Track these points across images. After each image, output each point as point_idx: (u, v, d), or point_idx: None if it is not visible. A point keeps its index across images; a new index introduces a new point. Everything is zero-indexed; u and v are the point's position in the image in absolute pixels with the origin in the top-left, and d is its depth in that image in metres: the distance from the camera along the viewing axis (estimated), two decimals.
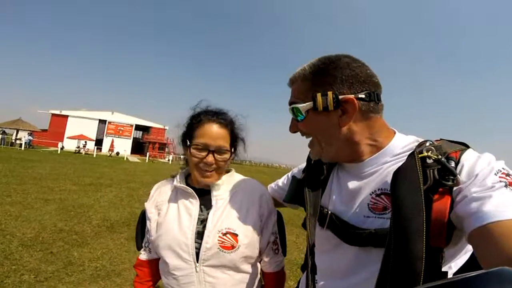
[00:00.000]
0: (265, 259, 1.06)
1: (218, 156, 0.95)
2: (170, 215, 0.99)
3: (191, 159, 0.95)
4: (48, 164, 12.56)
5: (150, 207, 1.06)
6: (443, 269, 0.56)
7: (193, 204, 0.99)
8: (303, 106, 0.69)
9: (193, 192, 0.99)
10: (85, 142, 31.64)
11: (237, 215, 0.97)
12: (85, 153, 27.36)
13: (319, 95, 0.66)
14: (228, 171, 1.08)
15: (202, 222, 0.96)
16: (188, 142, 0.97)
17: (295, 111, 0.72)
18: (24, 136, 24.92)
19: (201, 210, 0.99)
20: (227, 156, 0.97)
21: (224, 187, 1.02)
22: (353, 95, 0.65)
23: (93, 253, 3.43)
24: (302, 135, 0.77)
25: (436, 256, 0.54)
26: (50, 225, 4.21)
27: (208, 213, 0.97)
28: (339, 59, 0.68)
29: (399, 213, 0.54)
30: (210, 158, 0.93)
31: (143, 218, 1.15)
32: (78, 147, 29.56)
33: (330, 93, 0.65)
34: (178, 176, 1.06)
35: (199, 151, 0.93)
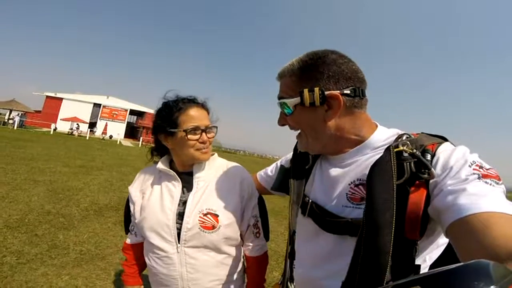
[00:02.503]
0: (246, 242, 1.09)
1: (209, 135, 1.02)
2: (153, 198, 1.03)
3: (186, 143, 0.97)
4: (39, 144, 12.42)
5: (134, 191, 1.11)
6: (417, 261, 0.57)
7: (176, 186, 1.02)
8: (290, 101, 0.71)
9: (175, 174, 1.03)
10: (77, 124, 31.34)
11: (217, 196, 1.00)
12: (78, 135, 27.11)
13: (306, 91, 0.68)
14: (211, 155, 1.10)
15: (184, 203, 0.99)
16: (172, 130, 0.98)
17: (283, 106, 0.74)
18: (14, 117, 24.79)
19: (183, 192, 1.02)
20: (213, 134, 1.04)
21: (206, 169, 1.05)
22: (338, 91, 0.67)
23: (79, 236, 3.42)
24: (291, 128, 0.79)
25: (410, 249, 0.56)
26: (37, 207, 4.18)
27: (189, 195, 1.00)
28: (326, 55, 0.69)
29: (372, 206, 0.56)
30: (204, 137, 1.00)
31: (128, 203, 1.17)
32: (71, 129, 29.34)
33: (316, 89, 0.67)
34: (161, 161, 1.08)
35: (194, 134, 0.98)
